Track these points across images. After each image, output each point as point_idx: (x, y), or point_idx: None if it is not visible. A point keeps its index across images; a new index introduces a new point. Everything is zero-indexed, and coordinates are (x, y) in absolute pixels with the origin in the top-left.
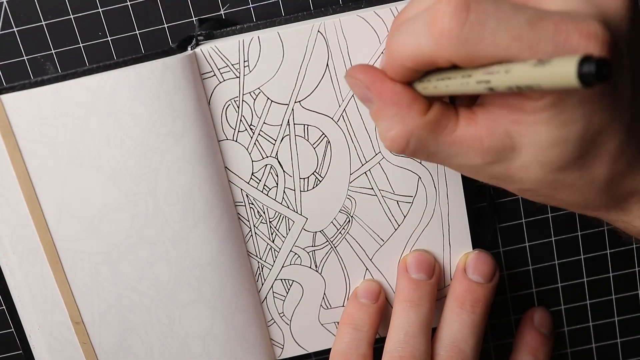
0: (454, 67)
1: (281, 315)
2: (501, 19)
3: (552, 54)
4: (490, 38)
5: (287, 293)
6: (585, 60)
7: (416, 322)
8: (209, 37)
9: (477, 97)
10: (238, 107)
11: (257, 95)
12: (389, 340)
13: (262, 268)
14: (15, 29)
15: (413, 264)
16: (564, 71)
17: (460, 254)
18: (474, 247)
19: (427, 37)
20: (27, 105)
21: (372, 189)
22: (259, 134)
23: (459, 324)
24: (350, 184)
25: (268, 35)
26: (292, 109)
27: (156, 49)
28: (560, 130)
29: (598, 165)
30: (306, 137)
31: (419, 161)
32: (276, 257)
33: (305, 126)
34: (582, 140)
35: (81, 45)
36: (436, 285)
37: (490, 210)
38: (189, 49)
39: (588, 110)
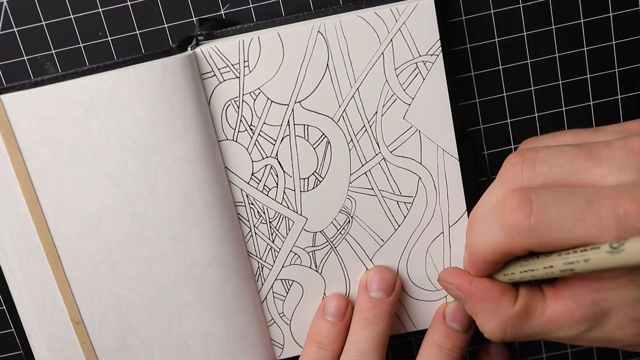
0: (530, 253)
1: (281, 315)
2: (561, 204)
3: (615, 228)
4: (556, 223)
5: (287, 293)
6: None
7: (369, 340)
8: (209, 37)
9: None
10: (238, 107)
11: (257, 96)
12: (343, 356)
13: (262, 268)
14: (15, 29)
15: (373, 281)
16: (637, 253)
17: (460, 254)
18: None
19: (500, 232)
20: (27, 105)
21: (372, 189)
22: (259, 134)
23: None
24: (350, 184)
25: (268, 35)
26: (292, 109)
27: (156, 49)
28: None
29: None
30: (306, 138)
31: (419, 162)
32: (276, 257)
33: (306, 126)
34: None
35: (81, 45)
36: (395, 303)
37: None
38: (189, 49)
39: None
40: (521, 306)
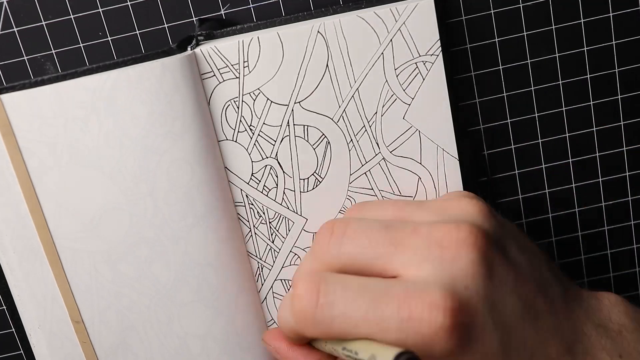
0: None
1: None
2: (348, 299)
3: (397, 330)
4: (341, 319)
5: (287, 293)
6: (399, 355)
7: None
8: (209, 37)
9: None
10: (238, 108)
11: (256, 96)
12: None
13: (261, 268)
14: (15, 29)
15: None
16: None
17: None
18: None
19: (291, 316)
20: (27, 105)
21: (372, 189)
22: (258, 135)
23: None
24: (350, 185)
25: (268, 35)
26: (292, 110)
27: (156, 49)
28: None
29: None
30: (306, 138)
31: (419, 162)
32: (276, 258)
33: (305, 127)
34: None
35: (81, 45)
36: None
37: None
38: (189, 49)
39: None
40: None
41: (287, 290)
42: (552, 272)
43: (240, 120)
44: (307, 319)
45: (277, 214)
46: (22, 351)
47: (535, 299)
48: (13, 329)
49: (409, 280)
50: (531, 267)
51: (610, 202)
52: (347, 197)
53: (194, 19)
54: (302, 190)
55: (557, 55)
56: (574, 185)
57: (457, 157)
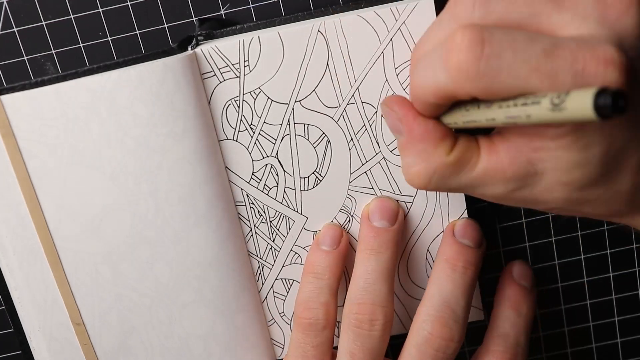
0: (474, 100)
1: (282, 315)
2: (517, 50)
3: (571, 84)
4: (508, 71)
5: (288, 293)
6: (601, 93)
7: (376, 270)
8: (209, 37)
9: None
10: (238, 107)
11: (257, 95)
12: (350, 289)
13: (262, 268)
14: (15, 29)
15: (375, 211)
16: (581, 108)
17: None
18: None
19: (444, 72)
20: (27, 106)
21: (373, 188)
22: (259, 134)
23: (451, 284)
24: (350, 184)
25: (268, 35)
26: (293, 109)
27: (156, 49)
28: (582, 153)
29: (621, 180)
30: (306, 137)
31: None
32: (276, 257)
33: (306, 125)
34: (604, 160)
35: (81, 45)
36: (399, 231)
37: (490, 210)
38: (189, 49)
39: (608, 132)
40: (455, 157)
41: (288, 289)
42: None
43: (241, 120)
44: (470, 72)
45: (277, 212)
46: (22, 354)
47: None
48: (13, 331)
49: (575, 36)
50: None
51: None
52: (348, 196)
53: (194, 19)
54: (302, 189)
55: None
56: None
57: None
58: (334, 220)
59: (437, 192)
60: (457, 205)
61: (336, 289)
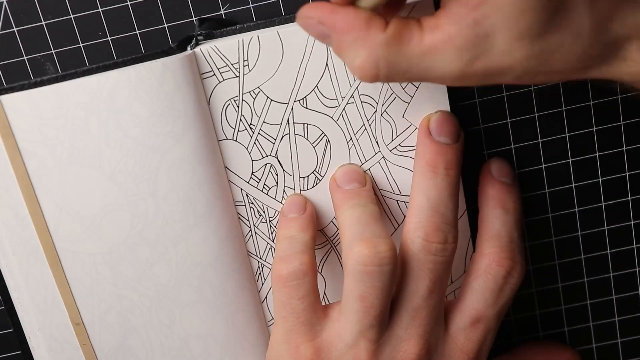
0: None
1: None
2: None
3: None
4: None
5: None
6: None
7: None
8: (209, 37)
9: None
10: (238, 107)
11: (256, 95)
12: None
13: (262, 268)
14: (15, 29)
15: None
16: None
17: (460, 253)
18: (474, 247)
19: None
20: (27, 106)
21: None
22: (258, 133)
23: (435, 190)
24: None
25: (267, 34)
26: (292, 108)
27: (156, 49)
28: None
29: (576, 17)
30: (306, 136)
31: None
32: None
33: (305, 125)
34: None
35: (81, 45)
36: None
37: None
38: (189, 48)
39: None
40: (393, 32)
41: None
42: None
43: (240, 119)
44: None
45: (277, 212)
46: (22, 354)
47: None
48: (13, 331)
49: None
50: None
51: (610, 202)
52: None
53: (194, 18)
54: (302, 189)
55: None
56: (573, 185)
57: None
58: (334, 220)
59: None
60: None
61: (312, 246)
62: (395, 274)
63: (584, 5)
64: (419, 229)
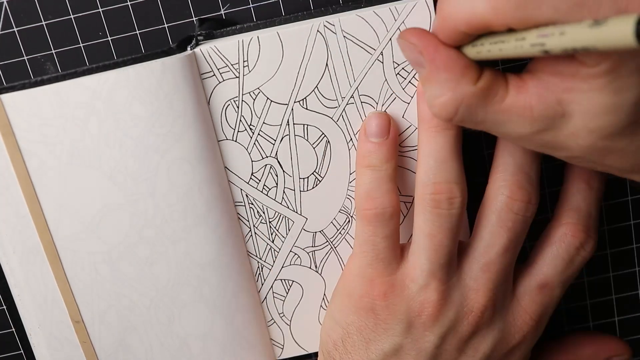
0: (507, 30)
1: (281, 315)
2: None
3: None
4: (551, 2)
5: (287, 293)
6: None
7: (445, 147)
8: (209, 37)
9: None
10: (237, 107)
11: (256, 95)
12: (420, 170)
13: (261, 268)
14: (15, 29)
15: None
16: (620, 31)
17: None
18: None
19: (484, 1)
20: (27, 105)
21: None
22: (258, 134)
23: (521, 150)
24: (350, 184)
25: (267, 35)
26: (292, 109)
27: (156, 49)
28: (615, 97)
29: None
30: (306, 137)
31: None
32: (276, 257)
33: (305, 126)
34: (635, 107)
35: (81, 45)
36: None
37: None
38: (189, 49)
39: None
40: (483, 86)
41: (287, 290)
42: None
43: (240, 120)
44: (511, 1)
45: (277, 213)
46: (22, 351)
47: None
48: (13, 329)
49: None
50: None
51: (610, 203)
52: (347, 196)
53: (194, 19)
54: (302, 190)
55: None
56: None
57: None
58: (334, 221)
59: None
60: None
61: (395, 178)
62: (463, 218)
63: None
64: (504, 186)
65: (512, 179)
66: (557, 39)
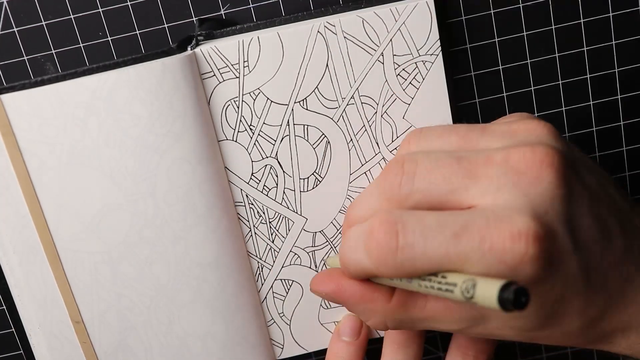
0: None
1: (281, 315)
2: (428, 237)
3: (481, 263)
4: (422, 258)
5: (287, 293)
6: (505, 287)
7: None
8: (209, 37)
9: None
10: (238, 108)
11: (256, 96)
12: None
13: (261, 268)
14: (15, 29)
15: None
16: (487, 299)
17: None
18: None
19: (366, 257)
20: (27, 105)
21: None
22: (258, 134)
23: None
24: (350, 184)
25: (268, 35)
26: (292, 109)
27: (156, 49)
28: None
29: (568, 321)
30: (306, 138)
31: None
32: (276, 257)
33: (305, 126)
34: (541, 312)
35: (81, 45)
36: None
37: None
38: (189, 49)
39: (538, 292)
40: (396, 302)
41: (287, 290)
42: (619, 192)
43: (240, 120)
44: (387, 261)
45: (277, 213)
46: (22, 351)
47: (608, 220)
48: (13, 329)
49: (487, 209)
50: (601, 187)
51: None
52: (347, 196)
53: (194, 19)
54: (302, 190)
55: (557, 55)
56: None
57: None
58: (334, 222)
59: None
60: None
61: None
62: None
63: (576, 313)
64: None
65: None
66: (434, 291)
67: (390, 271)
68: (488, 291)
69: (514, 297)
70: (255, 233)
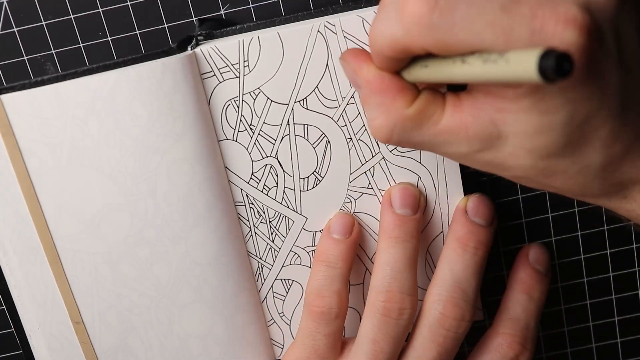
0: (428, 55)
1: (281, 315)
2: (473, 3)
3: (528, 41)
4: (462, 24)
5: (287, 293)
6: (546, 54)
7: (402, 258)
8: (209, 37)
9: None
10: (238, 107)
11: (257, 95)
12: (375, 276)
13: (262, 268)
14: (15, 29)
15: (398, 198)
16: (525, 67)
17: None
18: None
19: (398, 24)
20: (27, 105)
21: (372, 188)
22: (258, 134)
23: (462, 264)
24: (350, 184)
25: (268, 35)
26: (292, 109)
27: (156, 49)
28: (543, 118)
29: (590, 152)
30: (306, 137)
31: (419, 161)
32: (276, 257)
33: (305, 126)
34: (568, 128)
35: (81, 45)
36: (421, 220)
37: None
38: (189, 49)
39: (570, 98)
40: (416, 110)
41: (287, 289)
42: None
43: (241, 120)
44: (422, 24)
45: (277, 213)
46: (22, 351)
47: None
48: (13, 330)
49: None
50: None
51: None
52: (347, 196)
53: (194, 19)
54: (302, 189)
55: None
56: None
57: None
58: None
59: (437, 192)
60: (456, 205)
61: (348, 278)
62: (409, 329)
63: (601, 145)
64: (438, 301)
65: (447, 295)
66: (477, 75)
67: (423, 36)
68: (527, 56)
69: (555, 63)
70: (255, 233)
